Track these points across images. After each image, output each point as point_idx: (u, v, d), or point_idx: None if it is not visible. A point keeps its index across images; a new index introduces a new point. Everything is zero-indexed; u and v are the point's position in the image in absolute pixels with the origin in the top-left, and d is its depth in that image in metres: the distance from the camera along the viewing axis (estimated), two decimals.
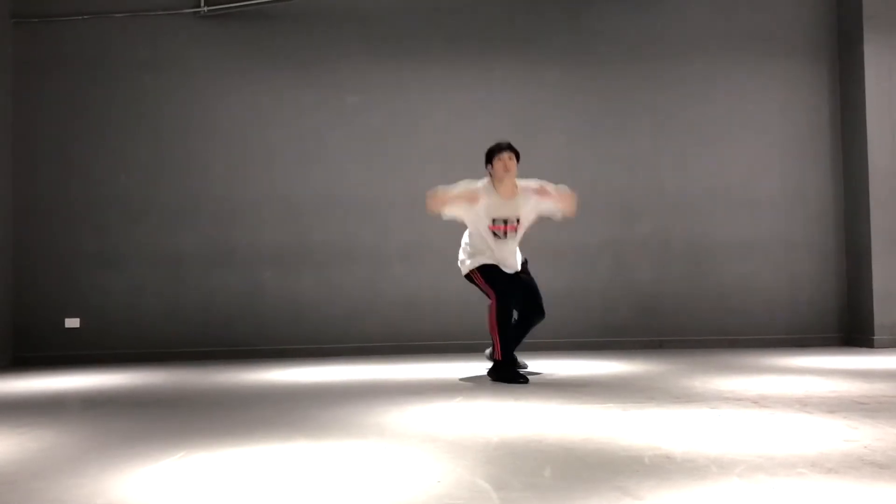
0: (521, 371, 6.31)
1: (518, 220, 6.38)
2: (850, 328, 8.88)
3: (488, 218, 6.30)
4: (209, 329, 8.50)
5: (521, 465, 3.30)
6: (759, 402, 4.84)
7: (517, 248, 6.47)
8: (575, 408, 4.74)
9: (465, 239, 6.48)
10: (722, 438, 3.76)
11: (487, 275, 6.29)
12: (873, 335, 8.47)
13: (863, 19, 8.64)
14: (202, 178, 8.68)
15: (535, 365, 7.22)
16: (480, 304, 8.78)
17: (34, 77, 8.65)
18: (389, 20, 8.92)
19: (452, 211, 6.35)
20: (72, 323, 8.47)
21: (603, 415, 4.46)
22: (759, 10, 9.10)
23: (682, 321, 8.82)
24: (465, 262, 6.42)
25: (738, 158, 9.00)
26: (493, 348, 6.24)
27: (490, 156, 6.47)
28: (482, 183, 6.43)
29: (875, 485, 2.92)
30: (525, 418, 4.43)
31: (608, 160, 8.93)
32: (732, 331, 8.81)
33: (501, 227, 6.32)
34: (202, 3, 8.66)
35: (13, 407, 5.43)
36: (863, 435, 3.78)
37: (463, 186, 6.38)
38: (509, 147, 6.45)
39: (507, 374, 6.12)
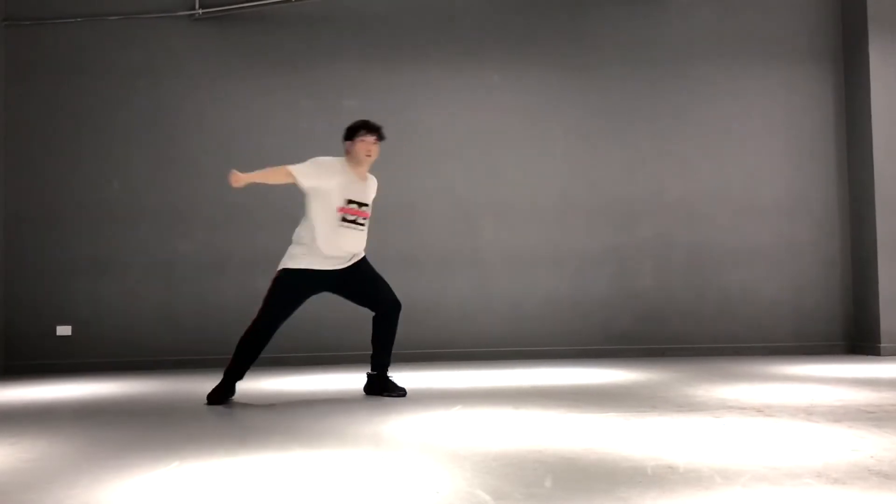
0: (393, 394, 5.76)
1: (369, 208, 5.87)
2: (855, 336, 8.82)
3: (342, 198, 5.67)
4: (203, 336, 8.43)
5: (522, 476, 3.25)
6: (763, 410, 4.79)
7: (362, 243, 5.85)
8: (576, 417, 4.68)
9: (298, 229, 5.82)
10: (726, 448, 3.71)
11: (281, 285, 5.65)
12: (879, 343, 8.42)
13: (867, 23, 8.61)
14: (196, 183, 8.63)
15: (534, 374, 7.16)
16: (480, 311, 8.78)
17: (26, 80, 8.61)
18: (386, 23, 8.90)
19: (310, 181, 5.67)
20: (63, 331, 8.42)
21: (604, 424, 4.41)
22: (763, 13, 9.08)
23: (684, 328, 8.77)
24: (287, 257, 5.75)
25: (742, 163, 8.96)
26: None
27: (354, 132, 5.83)
28: (331, 160, 5.84)
29: (882, 495, 2.87)
30: (525, 427, 4.37)
31: (609, 165, 8.90)
32: (736, 338, 8.76)
33: (356, 212, 5.72)
34: (197, 6, 8.64)
35: (4, 417, 5.37)
36: (869, 444, 3.73)
37: (300, 167, 5.71)
38: (379, 130, 5.84)
39: (217, 395, 5.60)
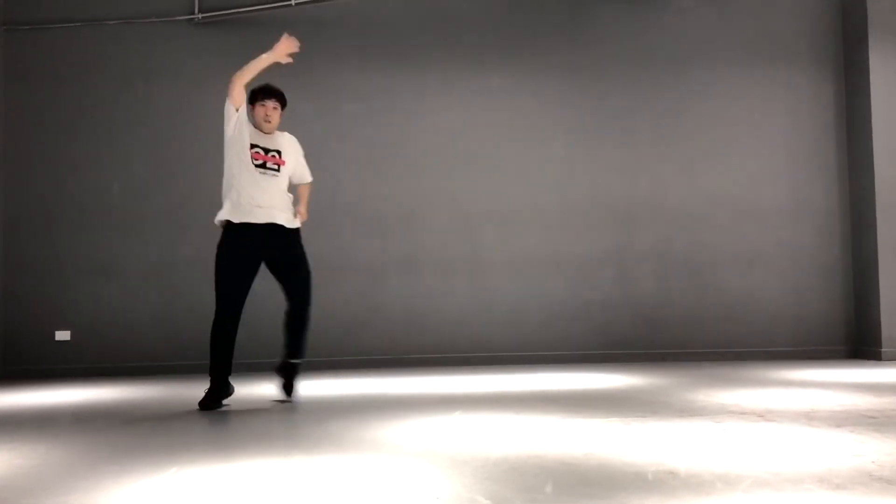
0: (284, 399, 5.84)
1: (280, 155, 5.77)
2: (857, 340, 8.80)
3: (248, 143, 5.67)
4: (203, 342, 8.29)
5: (522, 481, 3.23)
6: (764, 416, 4.77)
7: (283, 197, 5.78)
8: (576, 422, 4.66)
9: (223, 189, 5.72)
10: (727, 453, 3.69)
11: (223, 259, 5.60)
12: (881, 348, 8.39)
13: (868, 27, 8.60)
14: (196, 187, 8.61)
15: (534, 378, 7.13)
16: (480, 315, 8.76)
17: (25, 85, 8.60)
18: (386, 28, 8.89)
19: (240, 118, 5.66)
20: (62, 336, 8.39)
21: (605, 429, 4.38)
22: (764, 17, 9.07)
23: (685, 333, 8.75)
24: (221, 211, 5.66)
25: (742, 168, 8.95)
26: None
27: (253, 96, 5.77)
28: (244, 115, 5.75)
29: (884, 501, 2.85)
30: (525, 433, 4.35)
31: (609, 169, 8.88)
32: (737, 343, 8.73)
33: (262, 157, 5.67)
34: (196, 10, 8.63)
35: (2, 422, 5.35)
36: (871, 450, 3.71)
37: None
38: (277, 94, 5.81)
39: (213, 401, 5.60)
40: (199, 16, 8.63)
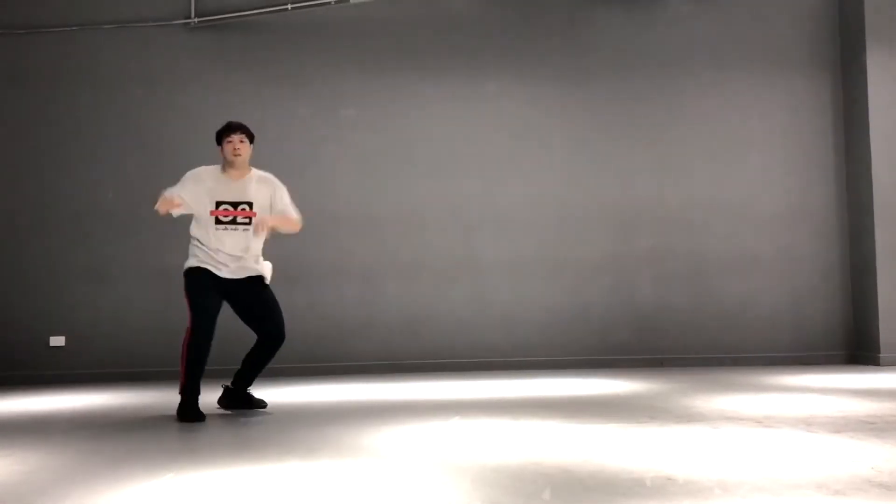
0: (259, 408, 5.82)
1: (251, 207, 5.63)
2: (855, 346, 8.79)
3: (211, 202, 5.59)
4: None
5: (520, 487, 3.22)
6: (762, 421, 4.76)
7: (253, 249, 5.68)
8: (574, 427, 4.65)
9: (191, 229, 5.72)
10: (725, 459, 3.68)
11: (192, 284, 5.56)
12: (879, 353, 8.39)
13: (866, 34, 8.61)
14: None
15: (532, 384, 7.13)
16: (478, 321, 8.75)
17: (20, 88, 8.57)
18: (384, 33, 8.88)
19: (185, 195, 5.61)
20: (57, 341, 8.36)
21: (603, 435, 4.38)
22: (761, 22, 9.07)
23: (683, 339, 8.74)
24: (188, 256, 5.66)
25: (741, 173, 8.95)
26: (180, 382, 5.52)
27: (219, 136, 5.73)
28: (204, 168, 5.74)
29: None
30: (523, 438, 4.35)
31: (608, 174, 8.87)
32: (735, 348, 8.73)
33: (229, 212, 5.60)
34: (193, 15, 8.62)
35: None
36: (870, 455, 3.71)
37: (179, 189, 5.63)
38: (240, 128, 5.70)
39: (187, 413, 5.40)
40: (196, 20, 8.62)
